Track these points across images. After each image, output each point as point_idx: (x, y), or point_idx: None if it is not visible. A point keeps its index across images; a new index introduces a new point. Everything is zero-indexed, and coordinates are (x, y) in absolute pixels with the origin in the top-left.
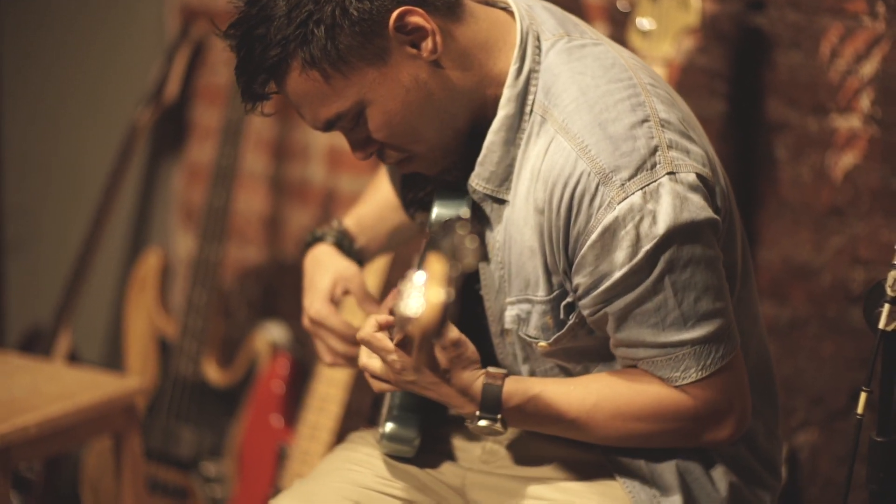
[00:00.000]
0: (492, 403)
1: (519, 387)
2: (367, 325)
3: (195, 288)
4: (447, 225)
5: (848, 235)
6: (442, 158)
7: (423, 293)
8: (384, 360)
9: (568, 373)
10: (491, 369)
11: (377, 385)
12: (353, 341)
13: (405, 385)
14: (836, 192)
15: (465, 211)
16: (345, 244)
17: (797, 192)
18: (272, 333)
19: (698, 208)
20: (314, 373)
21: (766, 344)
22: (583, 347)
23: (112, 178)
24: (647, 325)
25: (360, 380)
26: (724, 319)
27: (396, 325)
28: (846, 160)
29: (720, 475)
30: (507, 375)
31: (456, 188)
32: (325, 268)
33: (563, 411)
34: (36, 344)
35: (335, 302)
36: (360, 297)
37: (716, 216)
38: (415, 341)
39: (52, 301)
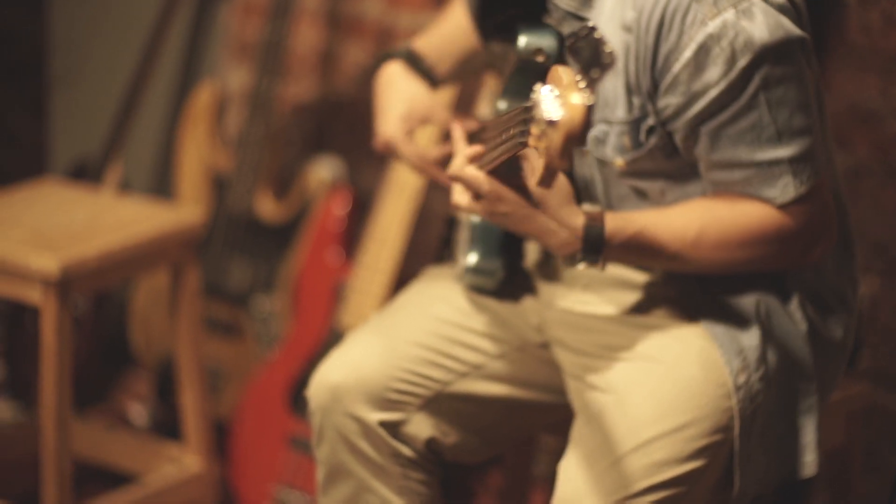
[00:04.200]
0: (595, 244)
1: (620, 224)
2: (457, 160)
3: (251, 121)
4: (576, 35)
5: None
6: None
7: (561, 98)
8: (480, 193)
9: (643, 195)
10: (586, 206)
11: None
12: (426, 167)
13: (500, 218)
14: None
15: (590, 23)
16: (413, 60)
17: (866, 37)
18: (328, 167)
19: (790, 26)
20: (372, 208)
21: (840, 187)
22: (659, 169)
23: (163, 12)
24: (742, 143)
25: (420, 220)
26: (815, 136)
27: (491, 149)
28: None
29: (797, 309)
30: (603, 212)
31: (538, 21)
32: (396, 89)
33: (666, 244)
34: (85, 176)
35: (410, 130)
36: (442, 123)
37: (805, 35)
38: (554, 148)
39: (99, 135)
